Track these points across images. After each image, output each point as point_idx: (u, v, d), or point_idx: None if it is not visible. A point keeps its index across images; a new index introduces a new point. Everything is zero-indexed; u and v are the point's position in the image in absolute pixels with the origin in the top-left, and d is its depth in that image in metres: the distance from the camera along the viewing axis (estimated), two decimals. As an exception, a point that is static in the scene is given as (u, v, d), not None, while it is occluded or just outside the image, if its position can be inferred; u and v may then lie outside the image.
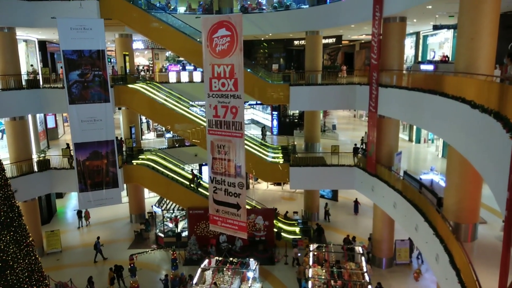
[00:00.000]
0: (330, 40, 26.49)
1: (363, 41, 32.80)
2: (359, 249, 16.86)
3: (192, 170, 21.49)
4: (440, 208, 12.15)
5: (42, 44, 25.66)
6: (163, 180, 19.95)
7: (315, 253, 16.59)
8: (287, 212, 22.47)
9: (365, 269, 15.26)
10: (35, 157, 19.45)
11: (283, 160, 20.90)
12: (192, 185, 20.48)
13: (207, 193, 15.48)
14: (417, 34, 25.02)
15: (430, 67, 16.08)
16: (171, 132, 23.84)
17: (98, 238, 19.08)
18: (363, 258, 16.10)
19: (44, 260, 16.30)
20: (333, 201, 25.52)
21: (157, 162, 21.29)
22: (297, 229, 20.86)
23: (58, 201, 25.40)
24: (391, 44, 16.31)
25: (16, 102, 17.68)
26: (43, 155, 19.78)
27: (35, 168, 18.54)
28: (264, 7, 24.75)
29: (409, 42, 25.74)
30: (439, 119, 11.76)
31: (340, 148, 20.07)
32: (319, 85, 19.95)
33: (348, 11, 18.93)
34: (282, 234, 20.05)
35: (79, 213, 22.06)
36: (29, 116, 20.89)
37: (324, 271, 15.37)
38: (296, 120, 30.50)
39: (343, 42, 30.53)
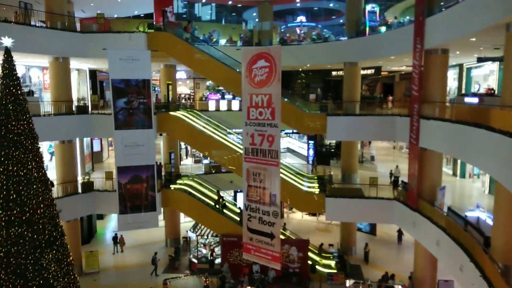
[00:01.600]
0: (369, 71, 26.36)
1: (403, 72, 32.34)
2: (398, 287, 15.97)
3: (218, 191, 21.62)
4: (488, 248, 11.37)
5: (93, 73, 27.41)
6: (198, 205, 20.18)
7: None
8: (322, 244, 21.85)
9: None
10: (80, 179, 20.39)
11: (319, 190, 20.58)
12: (217, 206, 20.51)
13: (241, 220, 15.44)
14: (460, 66, 24.34)
15: (475, 100, 15.50)
16: (209, 158, 24.27)
17: (156, 253, 19.83)
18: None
19: (82, 279, 16.72)
20: (371, 235, 24.57)
21: (194, 188, 21.63)
22: (332, 263, 20.16)
23: (99, 222, 26.26)
24: (433, 76, 15.98)
25: (66, 126, 18.78)
26: (87, 177, 20.71)
27: (80, 190, 19.40)
28: (302, 40, 25.24)
29: (452, 74, 25.06)
30: (485, 153, 11.23)
31: (379, 180, 19.51)
32: (357, 115, 19.75)
33: (387, 43, 18.87)
34: (317, 267, 19.45)
35: (114, 238, 22.41)
36: (77, 140, 22.08)
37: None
38: (333, 150, 30.13)
39: (382, 73, 30.27)
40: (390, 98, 24.53)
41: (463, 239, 12.48)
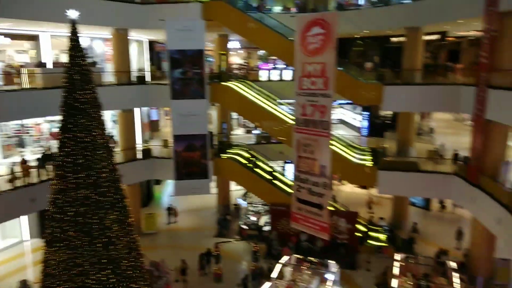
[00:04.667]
0: (433, 37, 24.46)
1: (472, 38, 29.66)
2: (451, 264, 15.43)
3: (248, 150, 21.83)
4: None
5: (151, 44, 28.27)
6: (248, 174, 20.61)
7: (403, 264, 15.63)
8: (372, 217, 21.51)
9: (457, 287, 13.93)
10: (139, 146, 21.59)
11: (372, 163, 20.05)
12: (249, 165, 20.80)
13: (290, 190, 15.59)
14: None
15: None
16: (259, 128, 24.47)
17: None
18: (456, 274, 14.69)
19: (141, 239, 18.03)
20: (425, 210, 23.71)
21: (245, 157, 22.06)
22: (382, 236, 19.87)
23: (156, 187, 27.91)
24: (507, 42, 14.51)
25: (126, 96, 19.71)
26: (146, 144, 21.86)
27: (139, 156, 20.58)
28: (361, 3, 23.89)
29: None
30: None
31: (440, 152, 18.49)
32: (417, 84, 18.64)
33: (455, 5, 17.27)
34: (367, 239, 19.29)
35: (169, 209, 22.92)
36: (136, 109, 23.19)
37: (410, 283, 14.41)
38: (388, 122, 28.90)
39: (447, 38, 27.98)
40: (460, 66, 22.62)
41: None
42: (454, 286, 14.06)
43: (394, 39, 27.15)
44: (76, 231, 9.80)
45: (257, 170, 21.18)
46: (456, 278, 14.43)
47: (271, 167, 21.73)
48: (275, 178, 21.29)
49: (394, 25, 21.47)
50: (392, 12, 21.06)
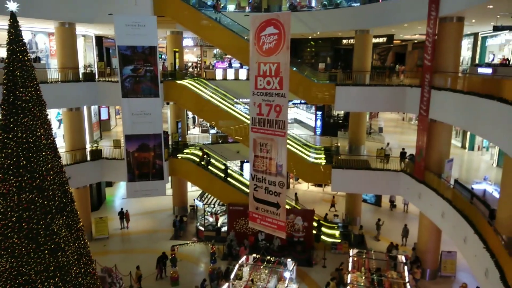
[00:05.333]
0: (381, 40, 25.61)
1: (416, 41, 31.42)
2: (401, 257, 16.24)
3: (201, 148, 21.78)
4: (493, 221, 11.39)
5: (99, 39, 27.06)
6: (205, 174, 20.36)
7: (355, 259, 16.20)
8: (326, 214, 22.12)
9: (407, 279, 14.68)
10: (88, 146, 20.57)
11: (325, 161, 20.58)
12: (202, 163, 20.66)
13: (247, 190, 15.59)
14: (475, 35, 23.53)
15: (489, 70, 15.07)
16: (215, 128, 24.28)
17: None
18: (405, 267, 15.48)
19: (92, 244, 17.24)
20: (376, 206, 24.77)
21: (200, 157, 21.76)
22: (337, 233, 20.48)
23: (108, 190, 26.75)
24: (447, 45, 15.52)
25: (73, 94, 18.72)
26: (95, 145, 20.88)
27: (88, 157, 19.61)
28: (313, 6, 24.45)
29: (466, 44, 24.30)
30: (496, 125, 11.03)
31: (386, 151, 19.40)
32: (367, 85, 19.39)
33: (401, 9, 18.20)
34: (321, 236, 19.77)
35: (120, 213, 21.80)
36: (85, 108, 22.10)
37: (363, 278, 14.96)
38: (340, 121, 29.89)
39: (394, 41, 29.41)
40: (402, 68, 23.92)
41: (468, 211, 12.50)
42: (404, 278, 14.79)
43: (345, 41, 28.09)
44: (20, 237, 9.11)
45: (212, 169, 20.98)
46: (405, 271, 15.18)
47: (224, 164, 21.58)
48: (229, 175, 21.16)
49: (344, 27, 22.23)
50: (342, 14, 21.78)
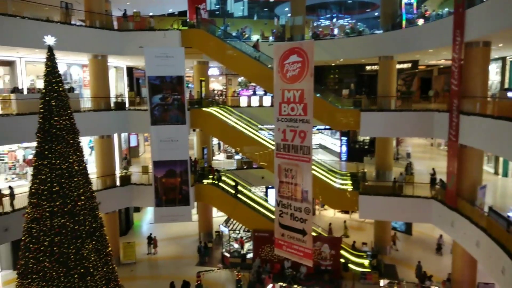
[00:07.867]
0: (405, 65, 25.50)
1: (441, 66, 31.07)
2: (434, 288, 15.48)
3: (210, 165, 21.86)
4: (533, 251, 10.78)
5: (129, 70, 28.25)
6: (230, 200, 20.40)
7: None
8: (354, 242, 21.51)
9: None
10: (118, 172, 21.15)
11: (352, 187, 20.23)
12: (213, 180, 20.69)
13: (273, 216, 15.48)
14: (503, 59, 23.08)
15: (519, 94, 14.68)
16: (240, 154, 24.49)
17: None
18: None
19: (120, 269, 17.41)
20: (407, 235, 23.92)
21: (226, 183, 21.90)
22: (365, 262, 19.82)
23: (135, 215, 27.16)
24: (474, 69, 15.26)
25: (105, 122, 19.50)
26: (125, 171, 21.43)
27: (118, 183, 20.12)
28: (335, 34, 24.78)
29: (494, 68, 23.82)
30: (531, 150, 10.62)
31: (415, 178, 18.90)
32: (392, 110, 19.20)
33: (425, 36, 18.18)
34: (350, 265, 19.18)
35: (149, 238, 22.16)
36: (115, 135, 22.86)
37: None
38: (366, 147, 29.49)
39: (419, 67, 29.21)
40: (436, 92, 23.26)
41: (505, 240, 11.89)
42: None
43: (369, 67, 28.13)
44: (51, 261, 9.37)
45: (240, 196, 21.00)
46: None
47: (235, 180, 21.54)
48: (240, 192, 21.04)
49: (367, 54, 22.32)
50: (365, 42, 21.93)
